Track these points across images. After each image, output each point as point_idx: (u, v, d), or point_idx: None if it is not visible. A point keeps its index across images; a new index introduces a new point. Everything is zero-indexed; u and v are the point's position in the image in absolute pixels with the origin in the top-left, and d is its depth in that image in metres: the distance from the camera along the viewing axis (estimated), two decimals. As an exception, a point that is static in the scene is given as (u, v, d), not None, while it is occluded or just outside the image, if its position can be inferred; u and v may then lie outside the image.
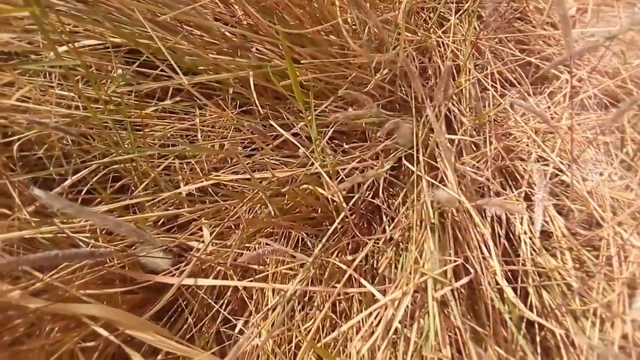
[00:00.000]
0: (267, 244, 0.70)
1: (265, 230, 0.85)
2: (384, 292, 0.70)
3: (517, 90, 1.12)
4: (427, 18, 1.18)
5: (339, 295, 0.74)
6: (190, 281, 0.63)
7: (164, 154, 0.86)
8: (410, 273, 0.71)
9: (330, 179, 0.78)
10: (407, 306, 0.67)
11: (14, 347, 0.78)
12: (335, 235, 0.91)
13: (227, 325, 0.93)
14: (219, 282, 0.70)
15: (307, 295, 0.82)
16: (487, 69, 1.11)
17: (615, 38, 1.10)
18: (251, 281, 0.71)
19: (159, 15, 0.69)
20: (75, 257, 0.55)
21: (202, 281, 0.67)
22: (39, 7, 0.57)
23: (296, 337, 0.81)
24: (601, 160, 0.98)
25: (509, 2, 1.24)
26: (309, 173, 0.75)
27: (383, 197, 0.92)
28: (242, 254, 0.71)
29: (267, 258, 0.68)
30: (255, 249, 0.78)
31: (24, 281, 0.76)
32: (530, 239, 0.89)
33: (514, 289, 0.82)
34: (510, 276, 0.89)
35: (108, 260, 0.74)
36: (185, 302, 0.90)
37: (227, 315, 0.89)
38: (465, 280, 0.68)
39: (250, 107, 0.99)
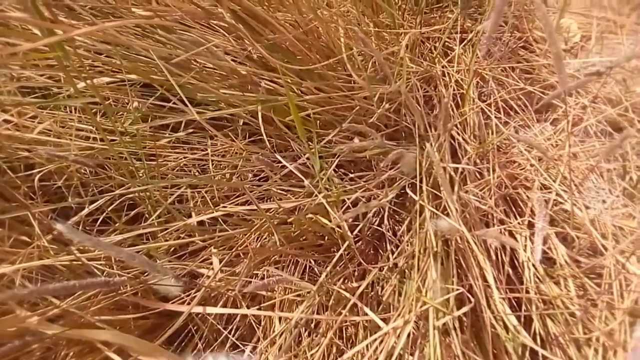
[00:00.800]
0: (274, 273, 0.73)
1: (273, 258, 0.88)
2: (387, 320, 0.72)
3: (521, 118, 1.15)
4: (432, 48, 1.22)
5: (345, 322, 0.76)
6: (199, 309, 0.65)
7: (176, 184, 0.90)
8: (412, 301, 0.73)
9: (336, 207, 0.81)
10: (410, 334, 0.69)
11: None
12: (342, 262, 0.93)
13: (235, 351, 0.95)
14: (226, 310, 0.73)
15: (313, 321, 0.84)
16: (490, 98, 1.14)
17: (618, 66, 1.12)
18: (258, 309, 0.74)
19: (174, 56, 0.73)
20: (90, 286, 0.59)
21: (210, 309, 0.70)
22: (62, 51, 0.62)
23: (302, 362, 0.83)
24: (604, 188, 1.00)
25: (512, 32, 1.27)
26: (314, 203, 0.78)
27: (389, 225, 0.95)
28: (250, 282, 0.73)
29: (274, 286, 0.71)
30: (263, 276, 0.80)
31: (41, 307, 0.79)
32: (534, 266, 0.91)
33: (518, 317, 0.84)
34: (515, 304, 0.90)
35: (121, 288, 0.77)
36: (195, 328, 0.93)
37: (236, 341, 0.92)
38: (464, 309, 0.70)
39: (260, 136, 1.03)
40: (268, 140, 1.00)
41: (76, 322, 0.80)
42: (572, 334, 0.83)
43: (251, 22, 0.79)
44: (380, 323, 0.68)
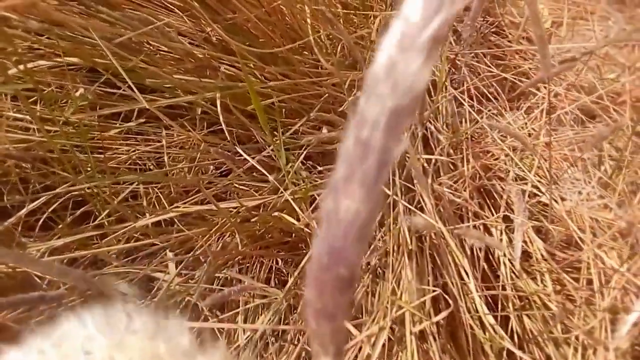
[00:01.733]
0: (236, 277, 0.66)
1: (237, 259, 0.81)
2: (359, 327, 0.67)
3: (494, 106, 1.11)
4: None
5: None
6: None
7: (127, 180, 0.82)
8: (387, 305, 0.68)
9: (304, 203, 0.74)
10: (385, 341, 0.64)
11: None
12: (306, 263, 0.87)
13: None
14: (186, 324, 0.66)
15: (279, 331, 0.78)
16: (463, 85, 1.09)
17: (592, 53, 1.09)
18: (220, 321, 0.67)
19: (118, 36, 0.65)
20: (22, 303, 0.51)
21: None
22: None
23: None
24: (579, 178, 0.97)
25: (484, 17, 1.23)
26: (280, 200, 0.72)
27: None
28: (212, 288, 0.67)
29: (237, 296, 0.64)
30: (225, 283, 0.74)
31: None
32: (510, 261, 0.87)
33: (495, 316, 0.80)
34: (491, 300, 0.86)
35: (63, 299, 0.69)
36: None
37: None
38: (443, 314, 0.65)
39: (220, 127, 0.95)
40: (229, 130, 0.92)
41: (14, 336, 0.72)
42: (550, 333, 0.80)
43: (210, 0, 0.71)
44: (354, 330, 0.62)
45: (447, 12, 0.15)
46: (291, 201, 0.67)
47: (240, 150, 0.68)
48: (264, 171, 0.69)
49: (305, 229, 0.86)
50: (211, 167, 0.97)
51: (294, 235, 0.90)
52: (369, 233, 0.18)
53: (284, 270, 0.90)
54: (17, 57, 0.63)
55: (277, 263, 0.90)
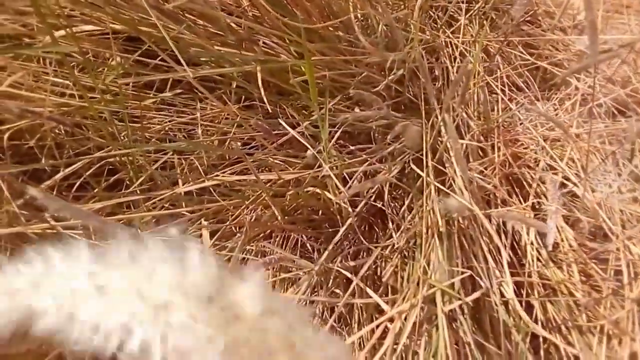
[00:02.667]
0: (269, 249, 0.67)
1: (265, 232, 0.82)
2: (389, 303, 0.67)
3: (526, 95, 1.10)
4: (437, 17, 1.15)
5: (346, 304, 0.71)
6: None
7: (161, 148, 0.82)
8: (417, 284, 0.68)
9: (334, 179, 0.75)
10: (415, 318, 0.65)
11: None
12: (338, 240, 0.88)
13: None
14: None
15: (307, 303, 0.79)
16: (496, 73, 1.09)
17: (629, 46, 1.08)
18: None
19: (163, 3, 0.65)
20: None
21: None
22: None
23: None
24: (610, 171, 0.96)
25: (521, 6, 1.21)
26: (316, 175, 0.72)
27: (388, 201, 0.89)
28: (245, 259, 0.67)
29: (274, 265, 0.65)
30: (258, 253, 0.74)
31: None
32: (537, 250, 0.87)
33: (519, 302, 0.80)
34: (515, 288, 0.86)
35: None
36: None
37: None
38: (476, 295, 0.65)
39: (253, 102, 0.96)
40: (261, 106, 0.93)
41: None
42: (575, 321, 0.80)
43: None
44: (385, 306, 0.63)
45: None
46: (332, 175, 0.68)
47: (283, 123, 0.68)
48: (307, 144, 0.69)
49: (334, 208, 0.86)
50: (238, 142, 0.98)
51: (320, 213, 0.91)
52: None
53: (309, 247, 0.90)
54: (64, 21, 0.64)
55: (302, 239, 0.91)
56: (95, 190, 0.80)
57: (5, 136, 0.75)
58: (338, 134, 0.79)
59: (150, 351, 0.18)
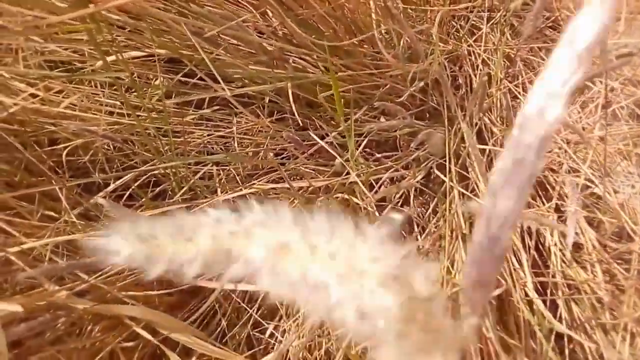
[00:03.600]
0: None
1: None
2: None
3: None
4: (459, 27, 1.19)
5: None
6: (230, 286, 0.65)
7: (201, 160, 0.89)
8: (442, 284, 0.72)
9: (360, 186, 0.80)
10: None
11: (56, 345, 0.82)
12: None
13: (257, 329, 0.95)
14: (258, 288, 0.72)
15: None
16: (518, 79, 1.12)
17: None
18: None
19: (202, 29, 0.72)
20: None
21: (241, 286, 0.69)
22: (95, 24, 0.61)
23: (326, 343, 0.83)
24: (633, 172, 0.98)
25: (542, 12, 1.24)
26: (344, 183, 0.77)
27: (414, 206, 0.94)
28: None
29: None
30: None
31: (68, 282, 0.80)
32: (561, 250, 0.90)
33: (543, 302, 0.83)
34: (540, 288, 0.89)
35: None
36: (218, 305, 0.93)
37: (259, 319, 0.92)
38: (498, 291, 0.69)
39: (284, 115, 1.02)
40: (292, 118, 0.99)
41: (103, 297, 0.80)
42: (599, 319, 0.83)
43: (282, -4, 0.77)
44: (411, 304, 0.67)
45: (581, 73, 0.21)
46: (359, 182, 0.73)
47: (313, 135, 0.74)
48: (335, 153, 0.74)
49: (361, 215, 0.91)
50: (271, 153, 1.04)
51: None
52: (515, 224, 0.24)
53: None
54: (116, 48, 0.71)
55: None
56: (143, 200, 0.87)
57: (64, 153, 0.83)
58: (364, 142, 0.84)
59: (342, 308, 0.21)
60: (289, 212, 0.23)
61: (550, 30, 1.25)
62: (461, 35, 1.17)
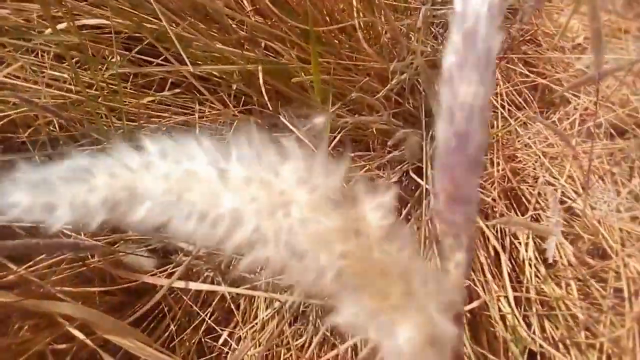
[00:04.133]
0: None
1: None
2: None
3: (525, 113, 1.10)
4: (437, 33, 1.16)
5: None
6: (181, 284, 0.57)
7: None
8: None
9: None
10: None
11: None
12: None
13: (209, 336, 0.87)
14: (214, 288, 0.64)
15: (300, 307, 0.77)
16: (495, 89, 1.09)
17: (627, 68, 1.08)
18: (247, 288, 0.66)
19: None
20: (58, 248, 0.50)
21: (194, 285, 0.61)
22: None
23: (285, 353, 0.75)
24: (609, 189, 0.96)
25: (521, 25, 1.23)
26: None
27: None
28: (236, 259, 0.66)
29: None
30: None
31: (-8, 272, 0.69)
32: (535, 265, 0.86)
33: (514, 316, 0.78)
34: (513, 303, 0.85)
35: (89, 257, 0.68)
36: (167, 308, 0.85)
37: (213, 325, 0.84)
38: (474, 304, 0.64)
39: (252, 106, 0.95)
40: (260, 110, 0.92)
41: (34, 291, 0.70)
42: (574, 339, 0.78)
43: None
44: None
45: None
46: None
47: (289, 125, 0.67)
48: (310, 145, 0.68)
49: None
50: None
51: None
52: (488, 115, 0.19)
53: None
54: (68, 15, 0.63)
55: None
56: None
57: (-2, 126, 0.73)
58: (338, 138, 0.78)
59: (261, 243, 0.16)
60: (199, 140, 0.19)
61: (528, 44, 1.24)
62: (439, 41, 1.13)
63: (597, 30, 0.59)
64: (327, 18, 0.89)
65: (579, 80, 0.68)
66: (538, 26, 1.26)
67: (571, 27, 1.35)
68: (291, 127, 0.63)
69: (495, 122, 1.05)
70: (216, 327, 0.81)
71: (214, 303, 0.85)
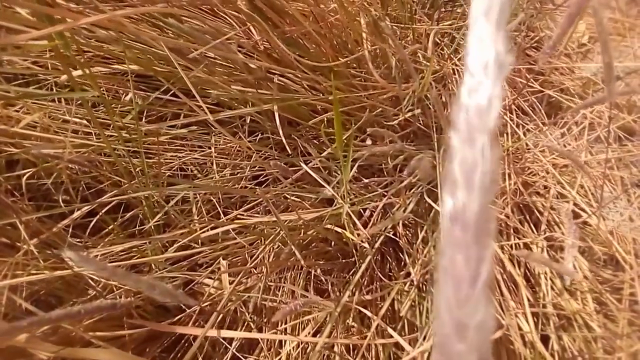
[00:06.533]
0: (288, 288, 0.67)
1: (277, 269, 0.82)
2: (409, 342, 0.67)
3: (532, 120, 1.11)
4: (444, 46, 1.16)
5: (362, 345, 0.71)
6: (213, 332, 0.59)
7: (176, 184, 0.83)
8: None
9: (354, 216, 0.75)
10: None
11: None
12: (351, 272, 0.88)
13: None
14: (245, 335, 0.66)
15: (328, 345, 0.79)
16: (504, 100, 1.10)
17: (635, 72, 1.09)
18: (275, 333, 0.68)
19: (182, 46, 0.66)
20: (98, 311, 0.52)
21: (226, 333, 0.63)
22: (62, 40, 0.54)
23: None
24: (620, 198, 0.97)
25: (527, 32, 1.23)
26: (343, 212, 0.72)
27: (402, 232, 0.90)
28: (264, 298, 0.68)
29: (300, 311, 0.65)
30: (278, 295, 0.74)
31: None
32: (551, 279, 0.87)
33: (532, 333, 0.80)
34: (527, 319, 0.87)
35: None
36: (193, 337, 0.87)
37: (236, 353, 0.86)
38: (498, 334, 0.65)
39: (264, 134, 0.96)
40: (272, 138, 0.93)
41: (67, 337, 0.73)
42: (593, 354, 0.80)
43: (268, 12, 0.72)
44: (407, 347, 0.63)
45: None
46: (351, 213, 0.68)
47: (303, 165, 0.69)
48: (323, 183, 0.69)
49: (350, 243, 0.86)
50: (248, 172, 0.98)
51: (333, 244, 0.91)
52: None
53: (323, 279, 0.90)
54: (83, 63, 0.64)
55: (315, 271, 0.91)
56: (111, 227, 0.80)
57: (24, 178, 0.75)
58: (354, 169, 0.79)
59: None
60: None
61: (534, 50, 1.24)
62: (445, 53, 1.14)
63: (609, 65, 0.60)
64: (339, 47, 0.90)
65: (591, 100, 0.68)
66: (542, 30, 1.27)
67: (575, 26, 1.36)
68: (305, 167, 0.64)
69: (504, 133, 1.06)
70: (240, 356, 0.83)
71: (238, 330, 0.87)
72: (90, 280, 0.74)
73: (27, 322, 0.45)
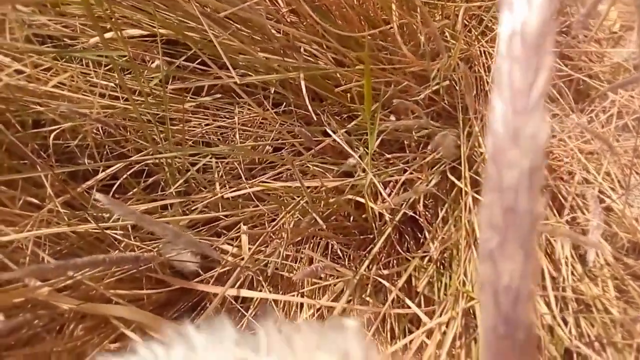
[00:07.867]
0: (307, 254, 0.68)
1: (297, 238, 0.82)
2: (428, 314, 0.67)
3: (559, 106, 1.09)
4: (472, 27, 1.14)
5: (379, 314, 0.71)
6: (233, 291, 0.60)
7: (199, 152, 0.83)
8: (456, 295, 0.68)
9: (375, 190, 0.75)
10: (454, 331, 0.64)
11: (32, 344, 0.75)
12: (368, 249, 0.88)
13: (250, 332, 0.90)
14: (265, 295, 0.67)
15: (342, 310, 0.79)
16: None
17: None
18: (296, 295, 0.68)
19: (211, 9, 0.66)
20: (121, 262, 0.53)
21: (246, 292, 0.64)
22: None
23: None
24: (646, 186, 0.95)
25: (556, 16, 1.21)
26: (357, 184, 0.72)
27: (422, 211, 0.89)
28: (284, 264, 0.68)
29: (320, 274, 0.65)
30: (295, 260, 0.75)
31: (50, 276, 0.73)
32: (572, 264, 0.86)
33: (552, 317, 0.80)
34: (546, 302, 0.86)
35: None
36: (210, 303, 0.88)
37: (252, 320, 0.87)
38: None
39: (288, 107, 0.96)
40: (296, 111, 0.93)
41: (88, 294, 0.74)
42: (611, 338, 0.79)
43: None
44: (425, 318, 0.63)
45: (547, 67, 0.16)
46: (377, 183, 0.68)
47: (330, 132, 0.68)
48: (352, 153, 0.69)
49: (370, 217, 0.86)
50: (268, 147, 0.98)
51: (352, 219, 0.91)
52: (533, 294, 0.18)
53: (339, 253, 0.90)
54: (114, 24, 0.64)
55: (332, 246, 0.91)
56: (134, 190, 0.81)
57: (51, 137, 0.76)
58: (377, 142, 0.79)
59: None
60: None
61: (564, 35, 1.22)
62: (473, 35, 1.12)
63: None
64: (365, 19, 0.89)
65: (623, 81, 0.67)
66: (573, 15, 1.24)
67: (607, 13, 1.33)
68: (332, 134, 0.64)
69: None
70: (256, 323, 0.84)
71: (254, 300, 0.87)
72: (113, 240, 0.75)
73: (54, 265, 0.46)
